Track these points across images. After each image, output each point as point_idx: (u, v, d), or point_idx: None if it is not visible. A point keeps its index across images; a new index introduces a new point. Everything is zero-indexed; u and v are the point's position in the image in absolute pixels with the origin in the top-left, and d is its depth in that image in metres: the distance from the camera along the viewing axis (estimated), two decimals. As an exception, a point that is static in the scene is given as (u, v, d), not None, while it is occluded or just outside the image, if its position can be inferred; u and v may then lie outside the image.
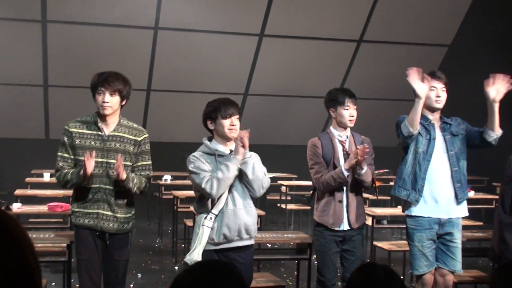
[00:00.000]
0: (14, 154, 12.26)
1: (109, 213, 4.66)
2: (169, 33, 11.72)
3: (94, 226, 4.66)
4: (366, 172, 5.07)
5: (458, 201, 5.11)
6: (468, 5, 12.34)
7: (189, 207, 7.76)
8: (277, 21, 11.91)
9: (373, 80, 13.19)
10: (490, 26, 12.45)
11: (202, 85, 12.65)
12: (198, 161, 4.53)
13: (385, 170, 11.41)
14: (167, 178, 10.01)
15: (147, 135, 4.82)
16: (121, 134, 4.71)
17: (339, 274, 5.47)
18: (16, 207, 7.07)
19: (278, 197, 10.73)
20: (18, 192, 8.19)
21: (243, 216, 4.52)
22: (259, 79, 12.76)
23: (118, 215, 4.68)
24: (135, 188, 4.66)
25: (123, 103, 4.79)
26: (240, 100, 13.09)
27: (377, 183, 11.15)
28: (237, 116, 4.59)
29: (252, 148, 12.55)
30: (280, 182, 10.61)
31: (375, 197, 9.79)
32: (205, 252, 4.44)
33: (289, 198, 10.50)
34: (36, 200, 8.47)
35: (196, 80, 12.54)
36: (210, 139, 4.69)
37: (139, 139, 4.76)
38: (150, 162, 4.84)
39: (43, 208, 7.20)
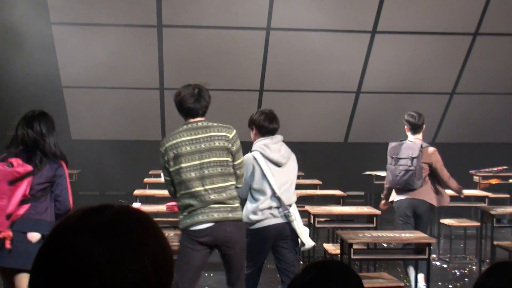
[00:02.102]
0: (132, 155, 12.66)
1: None
2: (281, 33, 11.78)
3: None
4: None
5: None
6: None
7: (304, 207, 7.77)
8: (389, 17, 11.74)
9: (490, 74, 12.76)
10: None
11: (314, 84, 12.64)
12: None
13: (504, 167, 11.01)
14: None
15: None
16: None
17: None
18: (136, 207, 7.29)
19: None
20: (137, 192, 8.45)
21: None
22: (372, 77, 12.61)
23: None
24: None
25: None
26: (352, 99, 12.99)
27: (496, 181, 10.88)
28: None
29: (365, 146, 12.53)
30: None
31: (495, 195, 9.50)
32: None
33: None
34: (154, 200, 8.70)
35: (309, 80, 12.54)
36: None
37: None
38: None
39: (161, 208, 7.39)
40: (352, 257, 5.64)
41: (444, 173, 6.99)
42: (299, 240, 5.55)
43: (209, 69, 12.10)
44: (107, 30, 11.44)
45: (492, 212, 7.34)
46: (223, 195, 4.73)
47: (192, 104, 4.81)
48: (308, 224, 7.16)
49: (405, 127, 7.14)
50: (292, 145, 13.29)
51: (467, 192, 9.18)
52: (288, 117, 13.01)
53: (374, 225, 6.93)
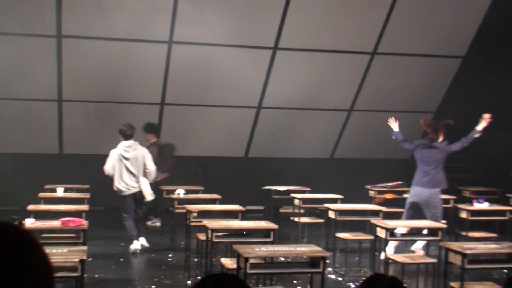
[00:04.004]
0: (27, 169, 12.31)
1: None
2: (183, 47, 11.75)
3: None
4: None
5: None
6: (482, 16, 12.29)
7: (201, 221, 7.76)
8: (290, 34, 11.91)
9: (387, 92, 13.16)
10: (504, 37, 12.43)
11: (216, 98, 12.67)
12: None
13: (399, 183, 11.36)
14: (180, 192, 10.00)
15: None
16: None
17: None
18: (29, 223, 7.09)
19: (291, 210, 10.70)
20: (31, 207, 8.22)
21: None
22: (273, 92, 12.75)
23: None
24: None
25: None
26: (253, 114, 13.09)
27: (391, 195, 11.19)
28: None
29: (265, 161, 12.66)
30: (293, 195, 10.58)
31: (389, 210, 9.77)
32: None
33: (302, 211, 10.46)
34: (49, 215, 8.49)
35: (210, 94, 12.56)
36: None
37: None
38: None
39: (56, 223, 7.21)
40: (248, 271, 5.66)
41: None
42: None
43: (109, 82, 11.94)
44: (4, 39, 11.11)
45: (386, 226, 7.54)
46: None
47: None
48: (206, 239, 7.22)
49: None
50: (192, 159, 13.41)
51: (363, 206, 9.41)
52: (188, 131, 13.03)
53: (271, 239, 6.98)
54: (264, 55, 12.20)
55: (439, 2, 11.94)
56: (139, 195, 9.82)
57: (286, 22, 11.72)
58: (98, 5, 10.98)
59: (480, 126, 9.22)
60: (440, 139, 9.15)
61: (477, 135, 9.26)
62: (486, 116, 9.21)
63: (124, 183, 9.73)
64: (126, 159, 9.73)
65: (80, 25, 11.16)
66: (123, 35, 11.43)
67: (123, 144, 9.77)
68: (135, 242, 9.71)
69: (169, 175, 11.82)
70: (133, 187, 9.77)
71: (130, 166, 9.72)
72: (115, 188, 9.81)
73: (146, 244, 9.83)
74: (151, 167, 9.89)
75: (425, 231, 8.00)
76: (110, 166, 9.76)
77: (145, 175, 9.87)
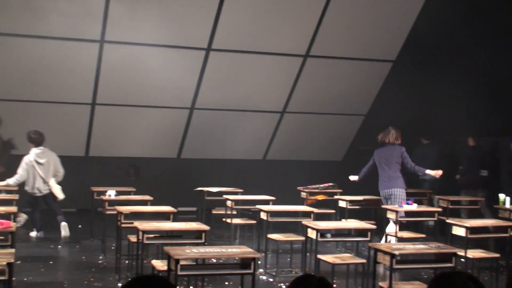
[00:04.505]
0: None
1: None
2: (115, 46, 11.61)
3: None
4: None
5: None
6: (413, 21, 12.54)
7: (132, 223, 7.68)
8: (224, 35, 11.91)
9: (319, 95, 13.30)
10: (434, 42, 12.72)
11: (148, 99, 12.57)
12: None
13: (330, 184, 11.48)
14: (111, 193, 9.87)
15: None
16: None
17: None
18: None
19: (223, 212, 10.70)
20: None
21: None
22: (206, 94, 12.73)
23: None
24: None
25: None
26: (186, 114, 13.03)
27: (322, 197, 11.31)
28: None
29: (198, 162, 12.62)
30: (225, 196, 10.57)
31: (320, 211, 9.87)
32: None
33: (234, 212, 10.47)
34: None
35: (143, 94, 12.45)
36: None
37: None
38: None
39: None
40: (179, 273, 5.63)
41: None
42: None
43: (38, 81, 11.70)
44: None
45: (317, 227, 7.61)
46: None
47: None
48: (137, 240, 7.17)
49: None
50: (124, 160, 13.26)
51: (294, 208, 9.47)
52: (120, 132, 12.88)
53: (203, 240, 6.96)
54: (198, 56, 12.17)
55: (370, 7, 12.13)
56: (50, 195, 10.67)
57: (219, 23, 11.71)
58: (29, 3, 10.72)
59: (430, 172, 10.02)
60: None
61: (423, 174, 10.39)
62: (440, 173, 10.04)
63: (37, 189, 10.61)
64: (40, 164, 10.53)
65: (10, 22, 10.89)
66: (54, 33, 11.20)
67: (35, 151, 10.60)
68: (36, 232, 10.76)
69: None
70: (44, 190, 10.64)
71: (42, 171, 10.53)
72: (28, 191, 10.59)
73: (67, 233, 10.54)
74: (61, 171, 10.80)
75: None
76: (24, 174, 10.51)
77: (54, 176, 10.73)
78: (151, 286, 1.93)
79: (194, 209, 12.60)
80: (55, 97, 12.03)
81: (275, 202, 10.07)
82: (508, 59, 11.23)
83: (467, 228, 7.85)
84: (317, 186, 11.45)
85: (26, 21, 10.89)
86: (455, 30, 11.96)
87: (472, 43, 11.67)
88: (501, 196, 9.93)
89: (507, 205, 9.76)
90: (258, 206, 9.46)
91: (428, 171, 10.01)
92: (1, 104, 11.76)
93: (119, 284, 7.89)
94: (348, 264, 7.84)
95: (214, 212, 11.37)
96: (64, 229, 10.50)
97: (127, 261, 8.54)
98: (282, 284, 8.17)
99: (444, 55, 12.67)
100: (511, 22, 11.13)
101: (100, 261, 9.28)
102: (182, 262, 5.67)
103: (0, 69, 11.41)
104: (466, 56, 11.59)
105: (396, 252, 6.09)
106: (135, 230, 7.28)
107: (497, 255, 8.18)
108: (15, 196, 9.86)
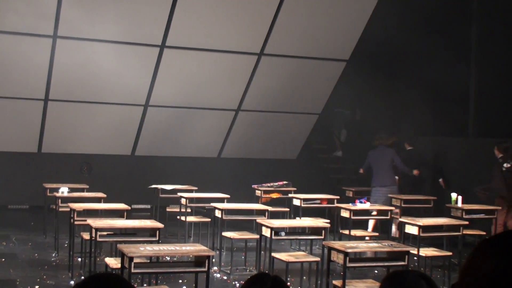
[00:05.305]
0: None
1: None
2: (68, 42, 11.47)
3: None
4: None
5: None
6: (366, 21, 12.67)
7: (85, 220, 7.62)
8: (178, 32, 11.87)
9: (274, 93, 13.34)
10: (387, 42, 12.89)
11: (102, 95, 12.45)
12: None
13: (284, 182, 11.54)
14: (64, 190, 9.77)
15: None
16: None
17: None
18: None
19: (178, 209, 10.67)
20: None
21: None
22: (160, 91, 12.67)
23: None
24: None
25: None
26: (140, 112, 12.95)
27: (277, 195, 11.38)
28: None
29: (153, 159, 12.65)
30: (180, 194, 10.55)
31: (275, 209, 9.92)
32: None
33: (189, 210, 10.46)
34: None
35: (96, 91, 12.33)
36: None
37: None
38: None
39: None
40: (133, 271, 5.61)
41: None
42: None
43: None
44: None
45: (271, 225, 7.64)
46: None
47: None
48: (90, 238, 7.11)
49: None
50: (77, 157, 13.14)
51: (249, 206, 9.51)
52: (74, 128, 12.75)
53: (157, 238, 6.94)
54: (152, 53, 12.10)
55: (324, 6, 12.21)
56: None
57: (173, 20, 11.67)
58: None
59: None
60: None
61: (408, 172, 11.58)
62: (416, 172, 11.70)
63: None
64: None
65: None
66: (5, 28, 11.03)
67: None
68: None
69: None
70: None
71: None
72: None
73: None
74: None
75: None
76: None
77: None
78: (107, 284, 1.94)
79: (148, 206, 12.55)
80: (7, 92, 11.85)
81: (229, 200, 10.08)
82: (453, 67, 11.57)
83: (419, 226, 7.97)
84: (271, 184, 11.51)
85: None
86: (406, 32, 12.16)
87: (424, 48, 11.95)
88: (453, 195, 10.09)
89: (459, 204, 9.93)
90: (212, 204, 9.47)
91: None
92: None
93: (72, 282, 7.81)
94: (302, 262, 7.90)
95: (168, 209, 11.34)
96: None
97: (80, 259, 8.48)
98: (236, 282, 8.19)
99: (395, 58, 12.87)
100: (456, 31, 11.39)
101: (53, 259, 9.18)
102: (135, 260, 5.65)
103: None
104: (417, 60, 11.84)
105: (349, 251, 6.16)
106: (88, 228, 7.23)
107: (449, 253, 8.33)
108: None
